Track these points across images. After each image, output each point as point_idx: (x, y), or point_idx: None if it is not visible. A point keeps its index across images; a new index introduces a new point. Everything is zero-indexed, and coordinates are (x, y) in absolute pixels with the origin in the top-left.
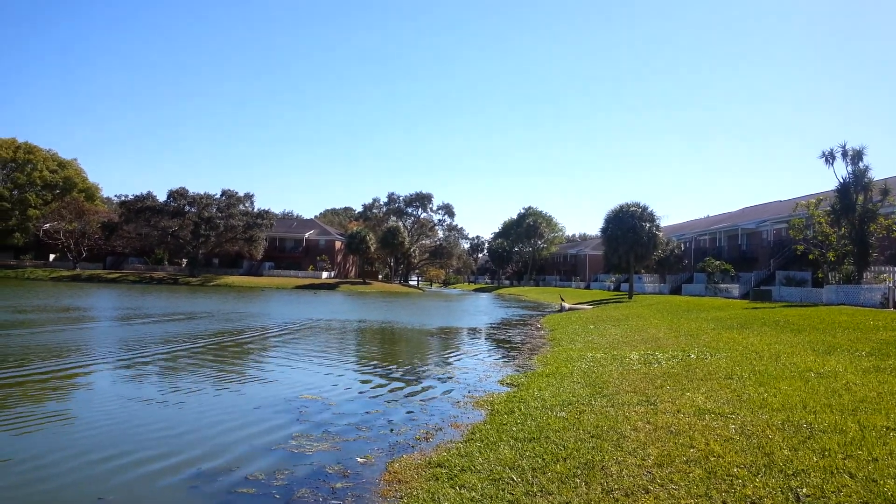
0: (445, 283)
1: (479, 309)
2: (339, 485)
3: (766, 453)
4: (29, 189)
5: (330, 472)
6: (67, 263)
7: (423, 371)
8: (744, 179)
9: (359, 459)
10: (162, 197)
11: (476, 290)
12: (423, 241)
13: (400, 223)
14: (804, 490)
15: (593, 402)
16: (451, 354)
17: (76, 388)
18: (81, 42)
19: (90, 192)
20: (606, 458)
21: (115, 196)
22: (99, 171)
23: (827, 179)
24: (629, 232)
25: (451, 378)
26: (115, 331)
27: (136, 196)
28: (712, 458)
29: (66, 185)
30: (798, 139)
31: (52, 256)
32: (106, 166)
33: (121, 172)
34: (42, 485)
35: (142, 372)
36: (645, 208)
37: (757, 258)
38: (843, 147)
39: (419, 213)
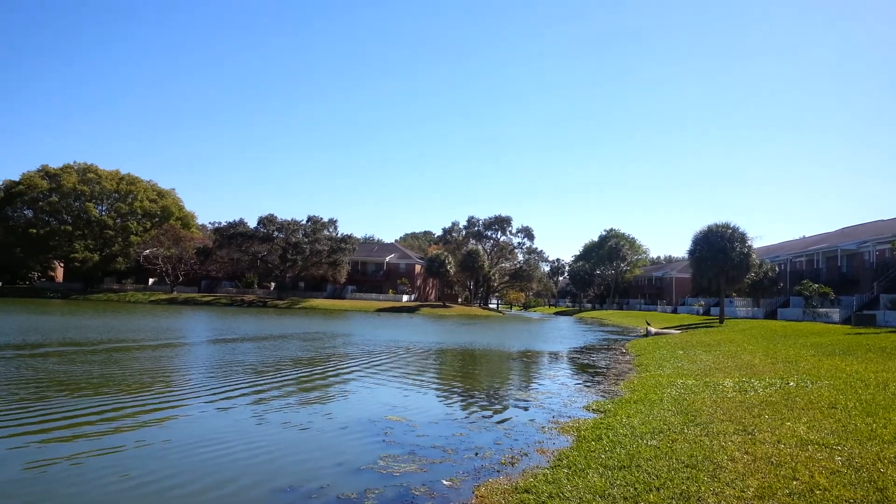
0: (525, 307)
1: (561, 333)
2: None
3: (879, 489)
4: (130, 217)
5: (417, 493)
6: (165, 287)
7: (506, 395)
8: (841, 199)
9: (444, 482)
10: (252, 223)
11: (556, 314)
12: (503, 265)
13: (479, 246)
14: None
15: (686, 431)
16: (534, 378)
17: (169, 410)
18: (176, 74)
19: (186, 220)
20: (703, 488)
21: (210, 223)
22: (194, 200)
23: None
24: (719, 253)
25: (534, 402)
26: (208, 351)
27: (229, 223)
28: (818, 492)
29: (164, 213)
30: None
31: (150, 280)
32: (201, 195)
33: (214, 200)
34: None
35: (230, 394)
36: (736, 228)
37: (858, 281)
38: None
39: (498, 236)
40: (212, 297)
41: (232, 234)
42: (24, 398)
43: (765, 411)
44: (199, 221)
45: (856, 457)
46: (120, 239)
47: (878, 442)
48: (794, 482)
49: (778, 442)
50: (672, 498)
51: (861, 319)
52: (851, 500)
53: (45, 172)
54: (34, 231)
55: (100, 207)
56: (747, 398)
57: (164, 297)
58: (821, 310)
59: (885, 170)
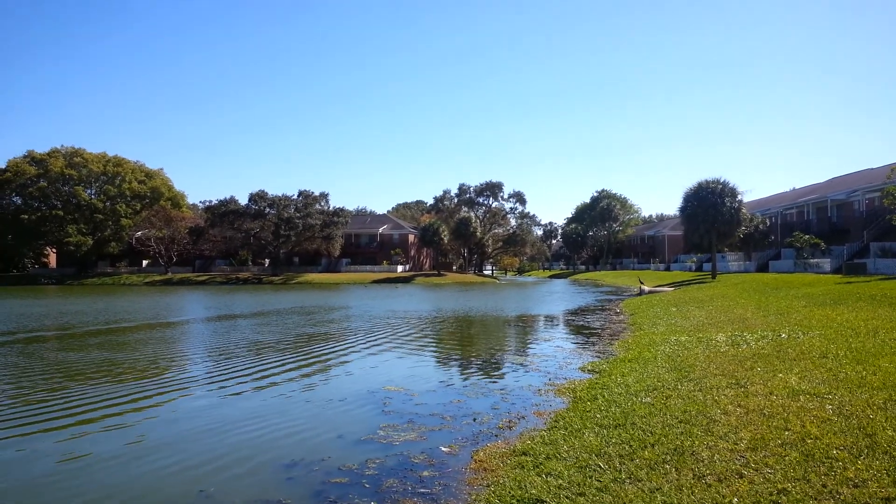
0: (520, 271)
1: (555, 295)
2: (426, 473)
3: (868, 434)
4: (119, 200)
5: (416, 461)
6: (159, 268)
7: (503, 359)
8: (832, 149)
9: (443, 449)
10: (243, 200)
11: (551, 277)
12: (496, 230)
13: (472, 213)
14: None
15: (680, 387)
16: (530, 342)
17: (173, 386)
18: (161, 53)
19: (177, 200)
20: (696, 443)
21: (200, 202)
22: (184, 179)
23: None
24: (710, 209)
25: (530, 366)
26: (206, 329)
27: (220, 201)
28: (809, 441)
29: (153, 194)
30: (888, 105)
31: (144, 262)
32: (190, 174)
33: (204, 179)
34: (143, 481)
35: (231, 367)
36: (726, 184)
37: (849, 230)
38: None
39: (490, 202)
40: (206, 277)
41: (224, 213)
42: (44, 387)
43: (757, 364)
44: (190, 201)
45: (846, 405)
46: (111, 222)
47: (868, 389)
48: (786, 432)
49: (770, 394)
50: (667, 453)
51: (852, 268)
52: (842, 447)
53: (32, 158)
54: (25, 217)
55: (89, 191)
56: (740, 352)
57: (158, 278)
58: (812, 260)
59: (874, 119)
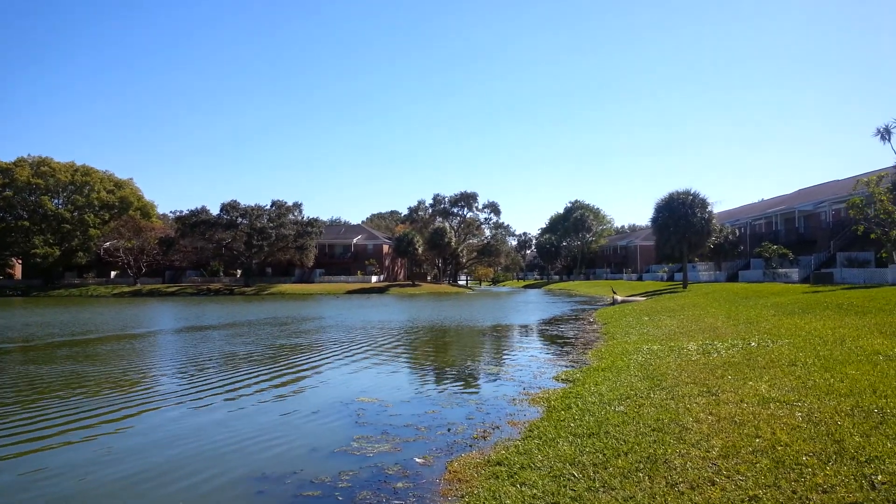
0: (494, 282)
1: (530, 305)
2: (400, 485)
3: (836, 440)
4: (88, 210)
5: (391, 472)
6: (128, 279)
7: (477, 369)
8: (798, 160)
9: (418, 460)
10: (215, 210)
11: (525, 287)
12: (471, 241)
13: (446, 224)
14: (879, 477)
15: (652, 395)
16: (504, 352)
17: (140, 399)
18: (128, 63)
19: (146, 210)
20: (669, 451)
21: (171, 212)
22: (154, 189)
23: (886, 156)
24: (681, 220)
25: (505, 375)
26: (176, 341)
27: (191, 211)
28: (779, 448)
29: (122, 204)
30: (852, 117)
31: (113, 273)
32: (160, 184)
33: (175, 189)
34: (110, 494)
35: (201, 379)
36: (696, 195)
37: (816, 241)
38: None
39: (465, 212)
40: (177, 288)
41: (194, 223)
42: (11, 399)
43: (728, 372)
44: (160, 211)
45: (815, 412)
46: (79, 233)
47: (836, 396)
48: (757, 440)
49: (741, 401)
50: (640, 462)
51: (819, 278)
52: (811, 454)
53: None
54: None
55: (56, 201)
56: (711, 360)
57: (127, 289)
58: (780, 270)
59: (842, 129)
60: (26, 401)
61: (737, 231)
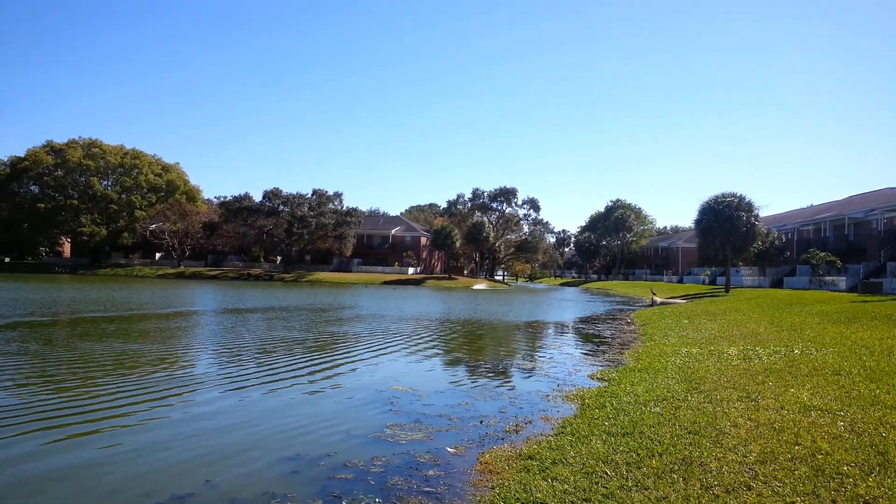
0: (531, 278)
1: (566, 303)
2: (431, 472)
3: (880, 452)
4: (135, 192)
5: (422, 460)
6: (172, 261)
7: (511, 364)
8: (851, 167)
9: (450, 449)
10: (258, 197)
11: (562, 285)
12: (509, 236)
13: (485, 218)
14: None
15: (689, 398)
16: (539, 348)
17: (181, 382)
18: (181, 47)
19: (192, 194)
20: (705, 454)
21: (215, 197)
22: (199, 174)
23: None
24: (725, 223)
25: (539, 371)
26: (221, 321)
27: (235, 197)
28: (819, 456)
29: (169, 187)
30: None
31: (157, 255)
32: (206, 169)
33: (220, 175)
34: (150, 472)
35: (240, 365)
36: (742, 198)
37: (865, 249)
38: None
39: (504, 207)
40: (218, 271)
41: (238, 208)
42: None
43: (769, 378)
44: (205, 195)
45: (858, 422)
46: (125, 213)
47: (881, 407)
48: (797, 447)
49: (781, 408)
50: (674, 463)
51: (867, 287)
52: (853, 464)
53: (51, 148)
54: (41, 206)
55: (105, 182)
56: (751, 366)
57: (171, 271)
58: (827, 278)
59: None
60: (75, 378)
61: (783, 236)
